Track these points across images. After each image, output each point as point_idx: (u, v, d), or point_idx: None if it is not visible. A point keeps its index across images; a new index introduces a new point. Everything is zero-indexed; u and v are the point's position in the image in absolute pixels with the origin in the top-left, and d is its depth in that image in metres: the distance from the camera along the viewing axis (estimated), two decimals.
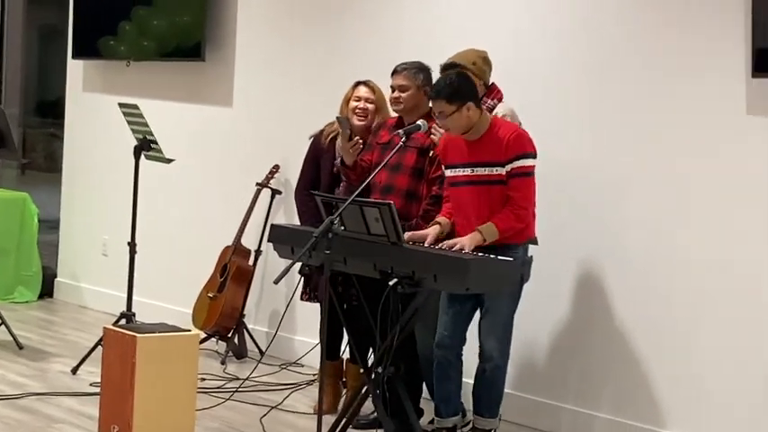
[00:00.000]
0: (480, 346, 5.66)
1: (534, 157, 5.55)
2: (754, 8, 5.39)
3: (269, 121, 7.91)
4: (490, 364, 5.63)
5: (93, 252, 9.14)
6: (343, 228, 5.43)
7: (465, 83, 5.55)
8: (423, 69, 6.10)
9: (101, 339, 6.18)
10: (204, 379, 6.83)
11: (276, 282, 5.11)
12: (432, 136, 5.85)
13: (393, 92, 6.11)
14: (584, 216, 6.16)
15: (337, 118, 6.22)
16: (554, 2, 6.35)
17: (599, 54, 6.14)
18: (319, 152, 6.62)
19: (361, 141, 6.07)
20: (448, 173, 5.69)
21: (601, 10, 6.13)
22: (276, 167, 7.70)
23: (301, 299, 6.66)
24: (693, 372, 5.76)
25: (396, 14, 7.13)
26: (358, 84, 6.49)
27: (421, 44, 6.79)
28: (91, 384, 6.67)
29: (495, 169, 5.51)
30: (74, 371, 7.03)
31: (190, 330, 5.89)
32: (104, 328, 5.81)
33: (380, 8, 7.21)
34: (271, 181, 7.70)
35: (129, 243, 7.02)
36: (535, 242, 5.70)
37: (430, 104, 5.80)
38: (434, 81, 5.73)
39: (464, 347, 5.73)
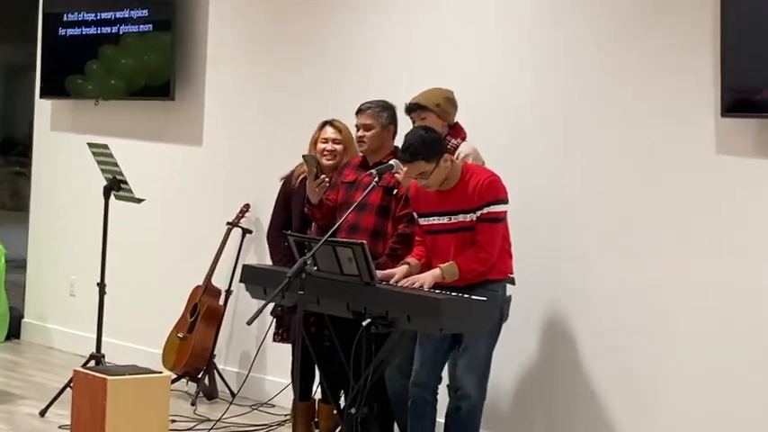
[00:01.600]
0: (458, 385, 5.63)
1: (506, 203, 5.56)
2: (724, 49, 5.43)
3: (239, 160, 7.89)
4: (467, 403, 5.61)
5: (60, 292, 9.07)
6: (315, 268, 5.42)
7: (434, 135, 5.56)
8: (387, 108, 6.12)
9: (70, 381, 6.13)
10: (174, 420, 6.76)
11: (249, 323, 5.08)
12: (396, 174, 5.84)
13: (357, 131, 6.13)
14: (550, 257, 6.15)
15: (304, 156, 6.22)
16: (529, 42, 6.37)
17: (570, 95, 6.16)
18: (290, 193, 6.62)
19: (327, 180, 6.07)
20: (422, 221, 5.68)
21: (577, 50, 6.15)
22: (247, 206, 7.68)
23: (274, 340, 6.63)
24: (662, 413, 5.76)
25: (365, 53, 7.14)
26: (324, 124, 6.51)
27: (391, 81, 6.81)
28: (60, 427, 6.60)
29: (468, 216, 5.52)
30: (42, 413, 6.96)
31: (161, 372, 5.86)
32: (74, 370, 5.78)
33: (349, 49, 7.22)
34: (241, 220, 7.68)
35: (98, 284, 6.98)
36: (513, 282, 5.70)
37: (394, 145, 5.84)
38: (403, 135, 5.68)
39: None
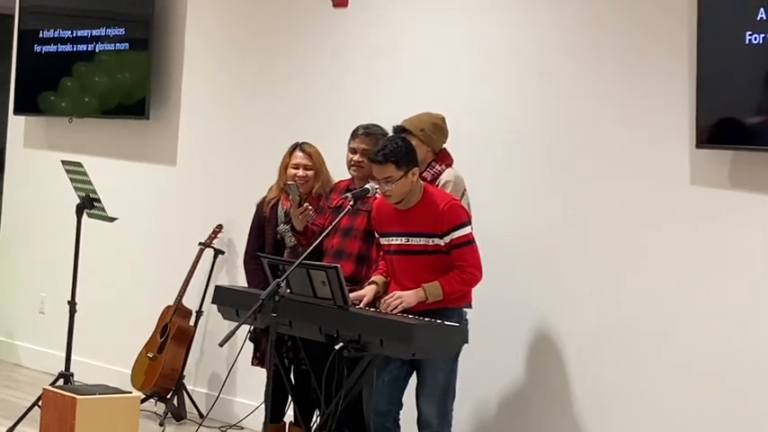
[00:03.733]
0: (419, 413, 5.60)
1: (469, 224, 5.55)
2: (699, 80, 5.47)
3: (213, 181, 7.88)
4: (428, 431, 5.58)
5: (30, 309, 9.02)
6: (289, 290, 5.42)
7: (410, 147, 5.56)
8: (385, 135, 6.02)
9: (38, 399, 6.09)
10: None
11: (221, 344, 5.07)
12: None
13: (354, 154, 6.04)
14: (532, 283, 6.17)
15: (286, 185, 6.20)
16: (507, 72, 6.39)
17: (548, 126, 6.18)
18: (262, 220, 6.61)
19: (311, 208, 6.03)
20: (382, 240, 5.68)
21: (551, 84, 6.17)
22: (219, 227, 7.67)
23: (252, 364, 6.58)
24: (646, 428, 5.78)
25: (342, 73, 7.14)
26: (294, 148, 6.48)
27: (366, 101, 6.82)
28: None
29: (431, 240, 5.50)
30: (9, 431, 6.91)
31: (131, 392, 5.83)
32: (43, 389, 5.74)
33: (326, 69, 7.23)
34: (214, 241, 7.67)
35: (69, 302, 6.94)
36: (470, 306, 5.70)
37: None
38: (380, 142, 5.68)
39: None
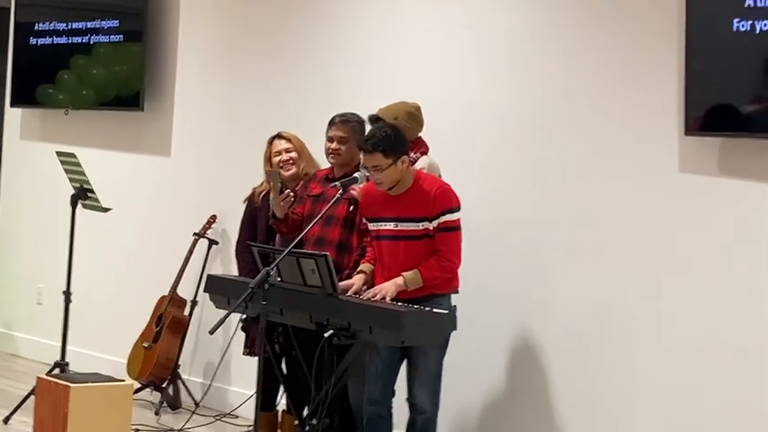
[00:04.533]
0: (412, 399, 5.64)
1: (459, 210, 5.58)
2: (688, 68, 5.48)
3: (207, 171, 7.91)
4: (422, 417, 5.62)
5: (27, 300, 9.05)
6: (279, 279, 5.44)
7: (399, 135, 5.59)
8: (361, 123, 6.11)
9: (34, 389, 6.12)
10: (138, 430, 6.76)
11: (212, 332, 5.11)
12: (352, 190, 5.87)
13: (331, 142, 6.11)
14: (517, 273, 6.18)
15: (267, 171, 6.24)
16: (499, 61, 6.41)
17: (536, 114, 6.20)
18: (254, 211, 6.64)
19: (292, 194, 6.07)
20: (371, 226, 5.70)
21: (545, 70, 6.18)
22: (213, 217, 7.70)
23: (243, 353, 6.62)
24: (628, 424, 5.79)
25: (333, 65, 7.16)
26: (273, 139, 6.54)
27: (360, 93, 6.83)
28: None
29: (420, 224, 5.52)
30: (6, 420, 6.94)
31: (124, 381, 5.86)
32: (38, 377, 5.77)
33: (318, 61, 7.25)
34: (208, 231, 7.69)
35: (64, 292, 6.98)
36: (457, 291, 5.72)
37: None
38: (367, 133, 5.74)
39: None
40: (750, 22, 5.32)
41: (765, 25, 5.27)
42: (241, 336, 6.57)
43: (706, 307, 5.53)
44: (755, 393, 5.35)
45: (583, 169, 6.01)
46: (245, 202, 6.77)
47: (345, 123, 6.09)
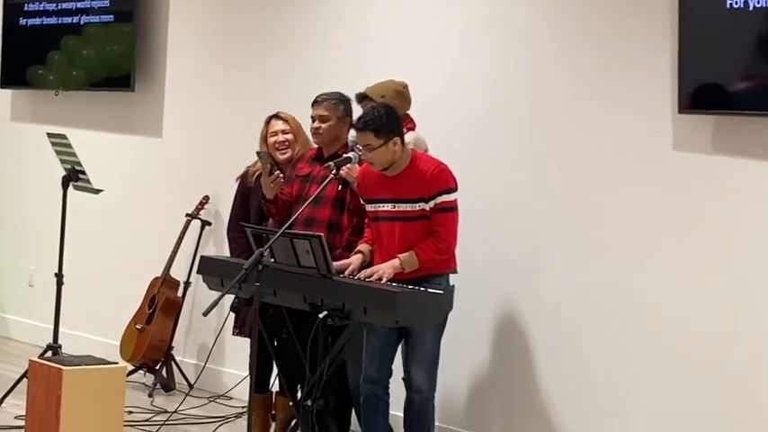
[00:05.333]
0: (409, 379, 5.64)
1: (456, 190, 5.56)
2: (681, 45, 5.46)
3: (199, 152, 7.88)
4: (419, 396, 5.62)
5: (19, 283, 9.03)
6: (273, 260, 5.42)
7: (392, 116, 5.56)
8: (343, 100, 6.10)
9: (26, 372, 6.10)
10: (131, 412, 6.76)
11: (205, 314, 5.08)
12: (346, 174, 5.85)
13: (313, 122, 6.11)
14: (505, 253, 6.17)
15: (258, 153, 6.22)
16: (487, 36, 6.38)
17: (527, 88, 6.18)
18: (247, 191, 6.61)
19: (282, 176, 6.06)
20: (368, 207, 5.68)
21: (534, 45, 6.17)
22: (206, 198, 7.67)
23: (233, 334, 6.62)
24: (619, 404, 5.79)
25: (323, 44, 7.14)
26: (270, 119, 6.50)
27: (349, 71, 6.81)
28: (16, 417, 6.56)
29: (417, 205, 5.51)
30: None
31: (117, 363, 5.83)
32: (30, 360, 5.74)
33: (308, 38, 7.22)
34: (201, 212, 7.67)
35: (56, 274, 6.95)
36: (455, 271, 5.72)
37: (349, 136, 5.83)
38: (360, 113, 5.72)
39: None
40: None
41: (759, 2, 5.25)
42: (233, 316, 6.56)
43: (699, 283, 5.52)
44: (753, 367, 5.33)
45: (575, 147, 5.99)
46: (237, 180, 6.74)
47: (325, 102, 6.08)
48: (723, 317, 5.44)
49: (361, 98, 5.89)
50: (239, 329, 6.59)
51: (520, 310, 6.13)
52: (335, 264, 5.52)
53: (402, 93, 5.98)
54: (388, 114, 5.53)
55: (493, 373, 6.26)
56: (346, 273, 5.51)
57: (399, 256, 5.46)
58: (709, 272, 5.49)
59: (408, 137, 5.84)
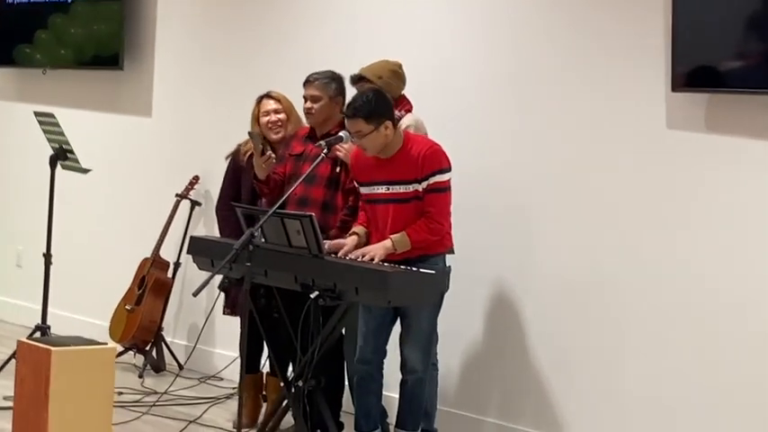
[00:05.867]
0: (403, 359, 5.62)
1: (449, 171, 5.54)
2: (674, 23, 5.43)
3: (189, 132, 7.83)
4: (413, 377, 5.60)
5: (6, 263, 8.98)
6: (263, 240, 5.39)
7: (382, 101, 5.53)
8: (335, 79, 6.08)
9: (14, 353, 6.06)
10: (121, 393, 6.73)
11: (195, 294, 5.05)
12: (337, 153, 5.81)
13: (305, 102, 6.08)
14: (499, 230, 6.15)
15: (249, 133, 6.18)
16: (478, 18, 6.34)
17: (520, 68, 6.15)
18: (239, 170, 6.57)
19: (273, 156, 6.02)
20: (363, 190, 5.66)
21: (526, 26, 6.13)
22: (196, 178, 7.63)
23: (223, 313, 6.61)
24: (613, 386, 5.78)
25: (313, 23, 7.10)
26: (261, 98, 6.46)
27: (339, 53, 6.77)
28: (4, 398, 6.52)
29: (411, 186, 5.48)
30: None
31: (106, 344, 5.79)
32: (18, 341, 5.69)
33: (298, 18, 7.18)
34: (190, 192, 7.63)
35: (44, 254, 6.91)
36: (452, 251, 5.69)
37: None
38: (350, 98, 5.69)
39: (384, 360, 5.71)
40: None
41: None
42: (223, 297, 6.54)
43: (697, 264, 5.50)
44: (748, 350, 5.32)
45: (568, 128, 5.96)
46: (227, 158, 6.69)
47: (317, 81, 6.06)
48: (717, 298, 5.42)
49: (357, 79, 5.85)
50: (231, 309, 6.58)
51: (515, 291, 6.11)
52: (330, 243, 5.49)
53: (398, 72, 5.95)
54: (377, 99, 5.49)
55: (488, 355, 6.24)
56: (340, 253, 5.48)
57: (391, 236, 5.44)
58: (706, 252, 5.46)
59: (408, 119, 5.82)
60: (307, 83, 6.09)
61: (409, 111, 5.93)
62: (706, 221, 5.47)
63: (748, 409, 5.30)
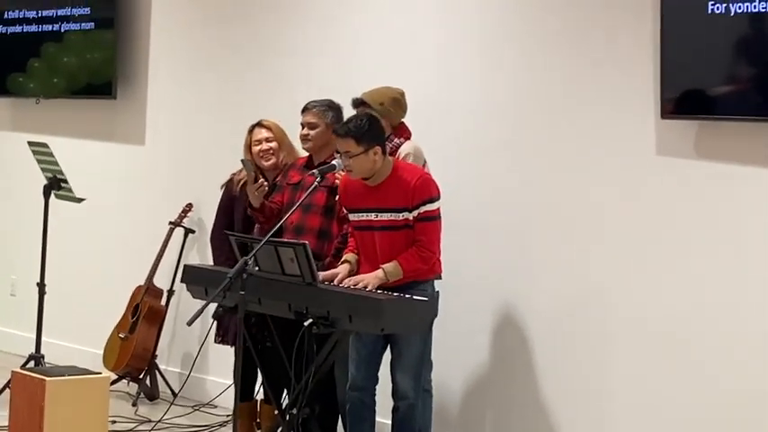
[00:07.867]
0: (394, 385, 5.63)
1: (438, 199, 5.56)
2: (663, 51, 5.47)
3: (182, 159, 7.85)
4: (404, 403, 5.61)
5: (1, 292, 8.97)
6: (257, 268, 5.41)
7: (375, 125, 5.56)
8: (332, 107, 6.13)
9: (8, 382, 6.07)
10: (115, 421, 6.73)
11: (189, 323, 5.07)
12: (337, 181, 5.85)
13: (302, 129, 6.13)
14: (497, 258, 6.17)
15: (242, 161, 6.22)
16: (473, 43, 6.38)
17: (513, 97, 6.18)
18: (232, 199, 6.61)
19: (266, 184, 6.06)
20: (351, 217, 5.68)
21: (516, 53, 6.17)
22: (189, 206, 7.65)
23: (215, 341, 6.62)
24: (605, 410, 5.79)
25: (309, 50, 7.12)
26: (253, 128, 6.51)
27: (336, 79, 6.80)
28: None
29: (400, 214, 5.50)
30: None
31: (100, 373, 5.81)
32: (12, 371, 5.71)
33: (294, 48, 7.20)
34: (184, 220, 7.65)
35: (38, 284, 6.92)
36: (440, 277, 5.71)
37: None
38: (344, 118, 5.74)
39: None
40: (725, 4, 5.30)
41: (740, 7, 5.26)
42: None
43: (686, 287, 5.52)
44: (740, 366, 5.35)
45: (559, 154, 5.99)
46: (222, 187, 6.72)
47: (314, 108, 6.14)
48: (707, 319, 5.44)
49: (358, 104, 5.90)
50: (222, 338, 6.59)
51: (511, 313, 6.13)
52: (323, 274, 5.51)
53: (399, 100, 5.97)
54: (370, 123, 5.53)
55: (486, 377, 6.25)
56: (335, 282, 5.50)
57: (383, 266, 5.46)
58: (693, 274, 5.49)
59: (407, 147, 5.85)
60: (305, 110, 6.15)
61: (408, 138, 5.96)
62: (697, 247, 5.50)
63: (741, 420, 5.32)
